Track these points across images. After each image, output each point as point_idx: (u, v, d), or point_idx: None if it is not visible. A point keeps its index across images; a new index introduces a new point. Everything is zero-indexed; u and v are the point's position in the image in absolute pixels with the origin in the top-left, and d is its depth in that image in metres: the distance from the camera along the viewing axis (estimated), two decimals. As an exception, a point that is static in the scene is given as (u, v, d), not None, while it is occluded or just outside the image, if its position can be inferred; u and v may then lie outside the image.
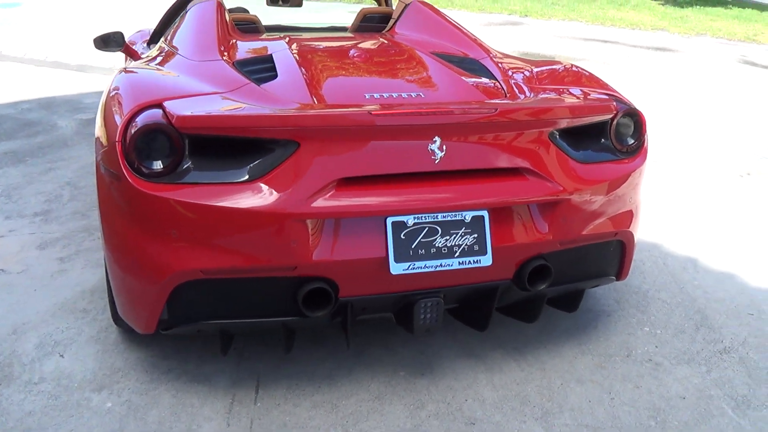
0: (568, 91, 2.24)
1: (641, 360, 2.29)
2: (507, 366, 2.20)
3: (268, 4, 3.73)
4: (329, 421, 1.90)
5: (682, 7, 12.47)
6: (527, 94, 2.15)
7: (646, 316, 2.56)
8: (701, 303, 2.66)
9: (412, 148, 1.79)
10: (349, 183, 1.76)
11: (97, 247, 2.89)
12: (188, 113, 1.72)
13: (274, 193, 1.70)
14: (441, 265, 1.82)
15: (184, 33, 2.60)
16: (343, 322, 1.94)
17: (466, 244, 1.84)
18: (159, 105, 1.77)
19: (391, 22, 3.07)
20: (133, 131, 1.72)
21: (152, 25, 4.86)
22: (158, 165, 1.72)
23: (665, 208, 3.59)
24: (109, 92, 2.13)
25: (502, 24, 10.33)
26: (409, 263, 1.79)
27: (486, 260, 1.86)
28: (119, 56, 6.89)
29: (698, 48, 8.89)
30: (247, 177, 1.71)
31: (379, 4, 3.78)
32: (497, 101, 2.04)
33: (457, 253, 1.84)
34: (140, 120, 1.74)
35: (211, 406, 1.93)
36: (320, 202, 1.71)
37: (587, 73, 2.47)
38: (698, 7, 12.78)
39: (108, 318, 2.34)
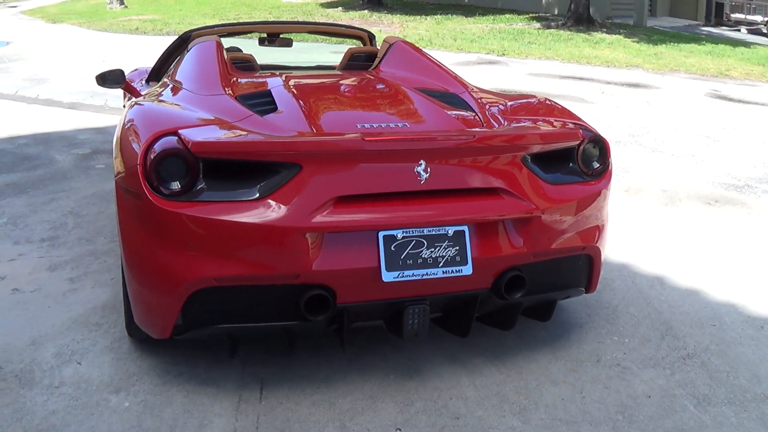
0: (539, 120, 2.52)
1: (610, 364, 2.51)
2: (487, 370, 2.42)
3: (259, 45, 4.01)
4: (328, 417, 2.10)
5: (656, 44, 12.96)
6: (502, 123, 2.42)
7: (615, 327, 2.79)
8: (667, 316, 2.90)
9: (400, 170, 2.04)
10: (344, 201, 2.00)
11: (104, 269, 3.08)
12: (203, 139, 1.96)
13: (279, 209, 1.93)
14: (427, 273, 2.05)
15: (188, 69, 2.85)
16: (339, 329, 2.15)
17: (449, 256, 2.08)
18: (174, 132, 2.01)
19: (377, 60, 3.35)
20: (152, 156, 1.96)
21: (135, 64, 5.09)
22: (176, 185, 1.94)
23: (636, 232, 3.86)
24: (124, 123, 2.37)
25: (481, 63, 10.75)
26: (398, 272, 2.02)
27: (467, 270, 2.10)
28: (111, 95, 7.17)
29: (671, 83, 9.33)
30: (255, 195, 1.94)
31: (364, 44, 4.07)
32: (475, 129, 2.30)
33: (441, 264, 2.07)
34: (159, 146, 1.97)
35: (220, 404, 2.13)
36: (319, 218, 1.94)
37: (558, 106, 2.76)
38: (672, 43, 13.27)
39: (120, 330, 2.53)
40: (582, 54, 11.55)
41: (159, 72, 3.87)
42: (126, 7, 18.10)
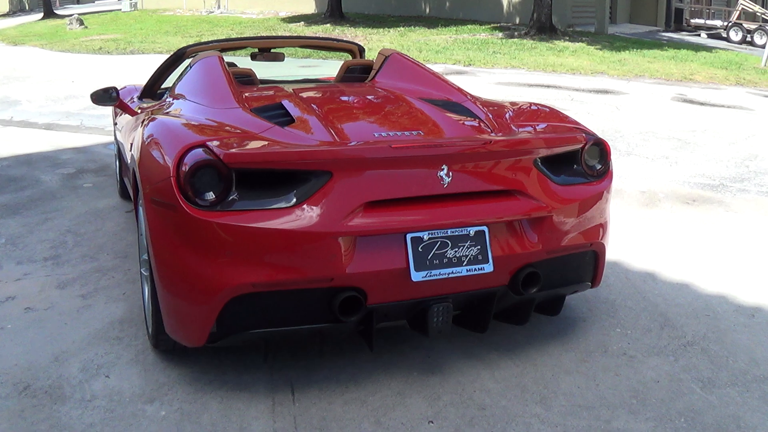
0: (542, 125, 2.65)
1: (617, 354, 2.65)
2: (504, 363, 2.52)
3: (251, 60, 4.07)
4: (362, 414, 2.17)
5: (619, 51, 13.36)
6: (510, 129, 2.54)
7: (616, 320, 2.93)
8: (663, 308, 3.06)
9: (424, 175, 2.14)
10: (373, 205, 2.09)
11: (114, 285, 3.10)
12: (236, 150, 2.03)
13: (313, 215, 2.01)
14: (452, 272, 2.16)
15: (195, 84, 2.91)
16: (366, 329, 2.23)
17: (472, 255, 2.19)
18: (203, 144, 2.08)
19: (373, 72, 3.45)
20: (185, 168, 2.01)
21: (106, 83, 5.06)
22: (210, 195, 2.01)
23: (622, 231, 4.03)
24: (144, 139, 2.42)
25: (448, 74, 10.95)
26: (426, 272, 2.12)
27: (488, 267, 2.21)
28: (86, 114, 7.12)
29: (638, 89, 9.66)
30: (289, 203, 2.02)
31: (353, 57, 4.16)
32: (491, 135, 2.42)
33: (465, 262, 2.18)
34: (191, 158, 2.03)
35: (256, 408, 2.18)
36: (351, 222, 2.03)
37: (555, 111, 2.90)
38: (635, 50, 13.68)
39: (142, 342, 2.56)
40: (547, 62, 11.86)
41: (152, 88, 3.91)
42: (86, 27, 17.88)
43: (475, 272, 2.19)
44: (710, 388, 2.43)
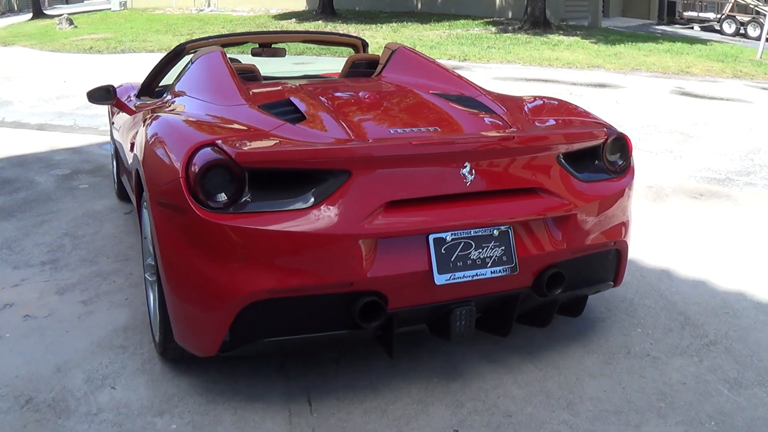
0: (561, 120, 2.56)
1: (640, 355, 2.56)
2: (525, 368, 2.43)
3: (252, 56, 3.96)
4: (383, 424, 2.08)
5: (614, 44, 13.27)
6: (529, 124, 2.44)
7: (636, 319, 2.85)
8: (681, 306, 2.98)
9: (446, 173, 2.04)
10: (394, 206, 1.99)
11: (115, 290, 2.99)
12: (249, 149, 1.92)
13: (332, 217, 1.91)
14: (476, 274, 2.06)
15: (199, 81, 2.80)
16: (386, 335, 2.13)
17: (496, 256, 2.09)
18: (213, 143, 1.97)
19: (379, 67, 3.34)
20: (195, 168, 1.91)
21: (98, 82, 4.93)
22: (222, 197, 1.90)
23: (632, 227, 3.94)
24: (148, 138, 2.31)
25: (447, 69, 10.86)
26: (450, 274, 2.02)
27: (513, 269, 2.11)
28: (79, 114, 6.98)
29: (635, 82, 9.59)
30: (306, 204, 1.91)
31: (356, 51, 4.05)
32: (513, 130, 2.32)
33: (489, 264, 2.08)
34: (200, 157, 1.92)
35: (271, 419, 2.08)
36: (372, 224, 1.93)
37: (572, 105, 2.81)
38: (630, 43, 13.61)
39: (148, 351, 2.45)
40: (542, 56, 11.78)
41: (150, 86, 3.79)
42: (76, 27, 17.64)
43: (500, 274, 2.09)
44: (738, 389, 2.35)
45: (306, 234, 1.88)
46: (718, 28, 18.15)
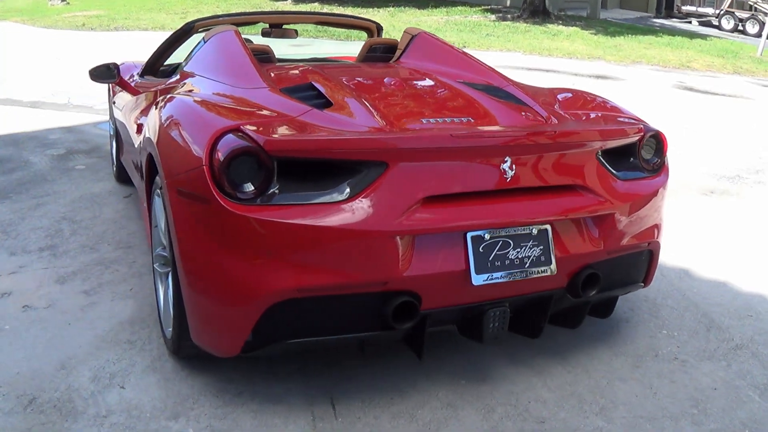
0: (594, 114, 2.45)
1: (668, 359, 2.47)
2: (554, 370, 2.34)
3: (262, 36, 3.80)
4: (413, 430, 1.97)
5: (614, 36, 13.18)
6: (563, 117, 2.32)
7: (660, 320, 2.76)
8: (704, 307, 2.89)
9: (486, 168, 1.92)
10: (432, 201, 1.87)
11: (119, 279, 2.85)
12: (279, 136, 1.79)
13: (368, 211, 1.78)
14: (514, 275, 1.95)
15: (215, 61, 2.65)
16: (415, 336, 2.02)
17: (534, 256, 1.98)
18: (237, 129, 1.83)
19: (398, 52, 3.21)
20: (220, 156, 1.77)
21: (92, 59, 4.71)
22: (249, 187, 1.77)
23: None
24: (163, 121, 2.16)
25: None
26: (488, 274, 1.91)
27: (551, 270, 2.01)
28: (72, 93, 6.76)
29: (637, 75, 9.50)
30: (341, 197, 1.78)
31: (371, 35, 3.90)
32: (554, 124, 2.20)
33: (527, 264, 1.97)
34: (226, 144, 1.78)
35: (294, 424, 1.96)
36: (409, 220, 1.81)
37: (602, 99, 2.69)
38: (629, 35, 13.51)
39: (157, 347, 2.33)
40: (542, 46, 11.66)
41: (155, 65, 3.62)
42: (68, 3, 17.21)
43: (537, 275, 1.99)
44: (769, 395, 2.28)
45: (339, 229, 1.76)
46: (716, 24, 18.11)
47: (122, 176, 4.01)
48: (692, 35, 14.76)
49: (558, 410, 2.11)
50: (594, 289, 2.15)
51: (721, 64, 10.87)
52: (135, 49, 8.71)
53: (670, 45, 12.61)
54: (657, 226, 2.39)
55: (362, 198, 1.78)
